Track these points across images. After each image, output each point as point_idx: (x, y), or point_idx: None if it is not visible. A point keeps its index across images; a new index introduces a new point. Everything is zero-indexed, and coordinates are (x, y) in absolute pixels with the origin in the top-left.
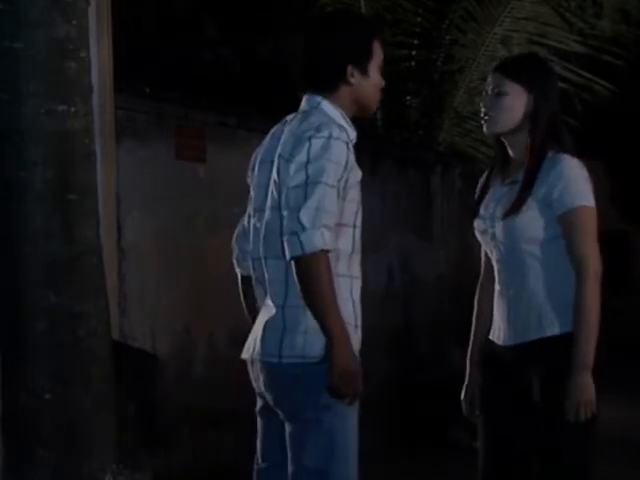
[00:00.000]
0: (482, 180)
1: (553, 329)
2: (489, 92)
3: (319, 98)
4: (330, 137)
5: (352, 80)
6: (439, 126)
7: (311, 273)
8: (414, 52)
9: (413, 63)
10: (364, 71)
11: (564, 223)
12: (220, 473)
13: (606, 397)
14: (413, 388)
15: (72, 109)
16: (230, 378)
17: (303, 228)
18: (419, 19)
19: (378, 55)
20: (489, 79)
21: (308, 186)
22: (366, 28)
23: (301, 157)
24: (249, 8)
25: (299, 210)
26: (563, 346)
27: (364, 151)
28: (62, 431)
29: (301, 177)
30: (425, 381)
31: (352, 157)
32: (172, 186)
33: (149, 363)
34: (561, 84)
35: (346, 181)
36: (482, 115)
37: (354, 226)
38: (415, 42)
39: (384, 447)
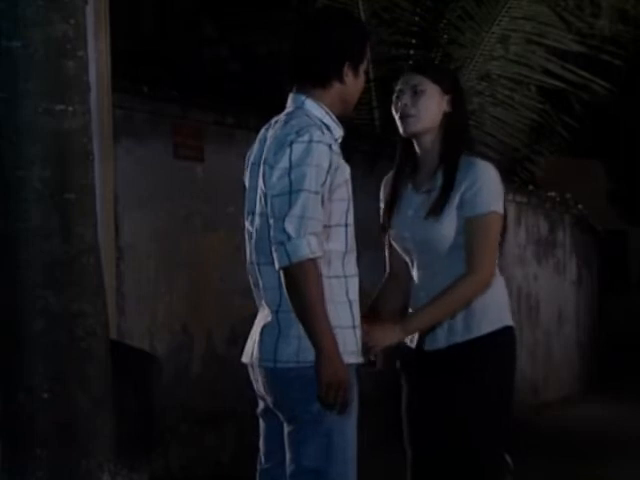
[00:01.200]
0: (387, 187)
1: (480, 330)
2: (405, 91)
3: (303, 97)
4: (311, 141)
5: (346, 78)
6: None
7: (298, 282)
8: (412, 51)
9: (411, 63)
10: (356, 71)
11: (470, 226)
12: (218, 472)
13: (606, 397)
14: None
15: (70, 108)
16: (228, 377)
17: (289, 238)
18: (417, 18)
19: (367, 58)
20: (403, 78)
21: (292, 194)
22: (363, 30)
23: (283, 163)
24: (249, 8)
25: (284, 219)
26: (486, 344)
27: (361, 151)
28: (60, 430)
29: (284, 184)
30: None
31: (336, 158)
32: (170, 185)
33: (148, 363)
34: (559, 84)
35: (331, 183)
36: (399, 114)
37: (346, 225)
38: (413, 41)
39: (384, 446)
